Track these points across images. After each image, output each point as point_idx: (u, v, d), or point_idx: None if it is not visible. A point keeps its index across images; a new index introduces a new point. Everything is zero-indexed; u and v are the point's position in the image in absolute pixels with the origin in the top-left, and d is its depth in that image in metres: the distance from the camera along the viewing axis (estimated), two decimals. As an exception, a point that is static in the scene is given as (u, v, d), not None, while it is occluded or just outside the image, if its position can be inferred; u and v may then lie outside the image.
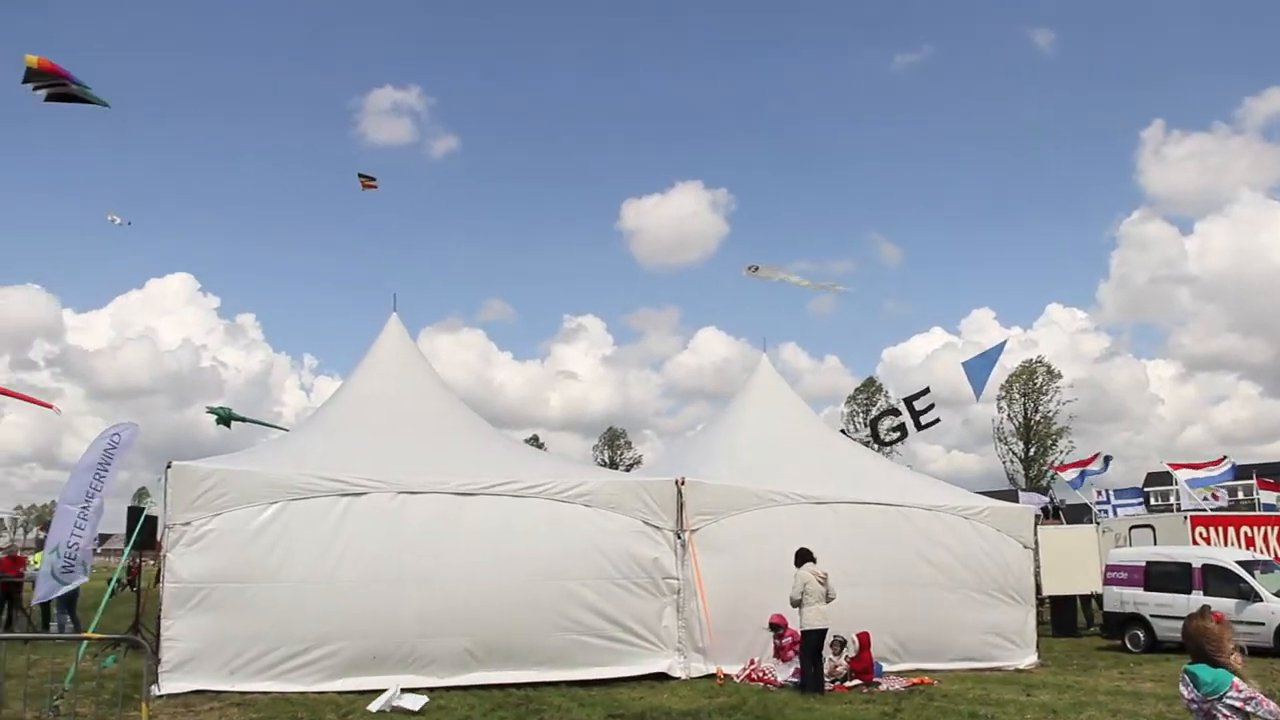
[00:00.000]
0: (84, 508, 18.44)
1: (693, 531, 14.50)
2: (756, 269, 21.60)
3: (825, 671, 13.74)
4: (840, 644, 14.32)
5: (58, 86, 18.16)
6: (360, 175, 25.58)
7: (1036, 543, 17.41)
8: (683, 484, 14.66)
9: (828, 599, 13.44)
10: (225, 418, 26.46)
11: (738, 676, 14.22)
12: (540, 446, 70.72)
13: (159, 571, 22.52)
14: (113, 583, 17.77)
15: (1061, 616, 22.92)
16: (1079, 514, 35.68)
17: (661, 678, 13.93)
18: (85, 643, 12.91)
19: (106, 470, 18.81)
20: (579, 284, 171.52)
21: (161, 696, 11.83)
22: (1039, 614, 17.79)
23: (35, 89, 18.11)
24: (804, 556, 13.72)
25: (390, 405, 15.87)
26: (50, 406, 30.38)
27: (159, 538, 14.05)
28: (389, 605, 13.07)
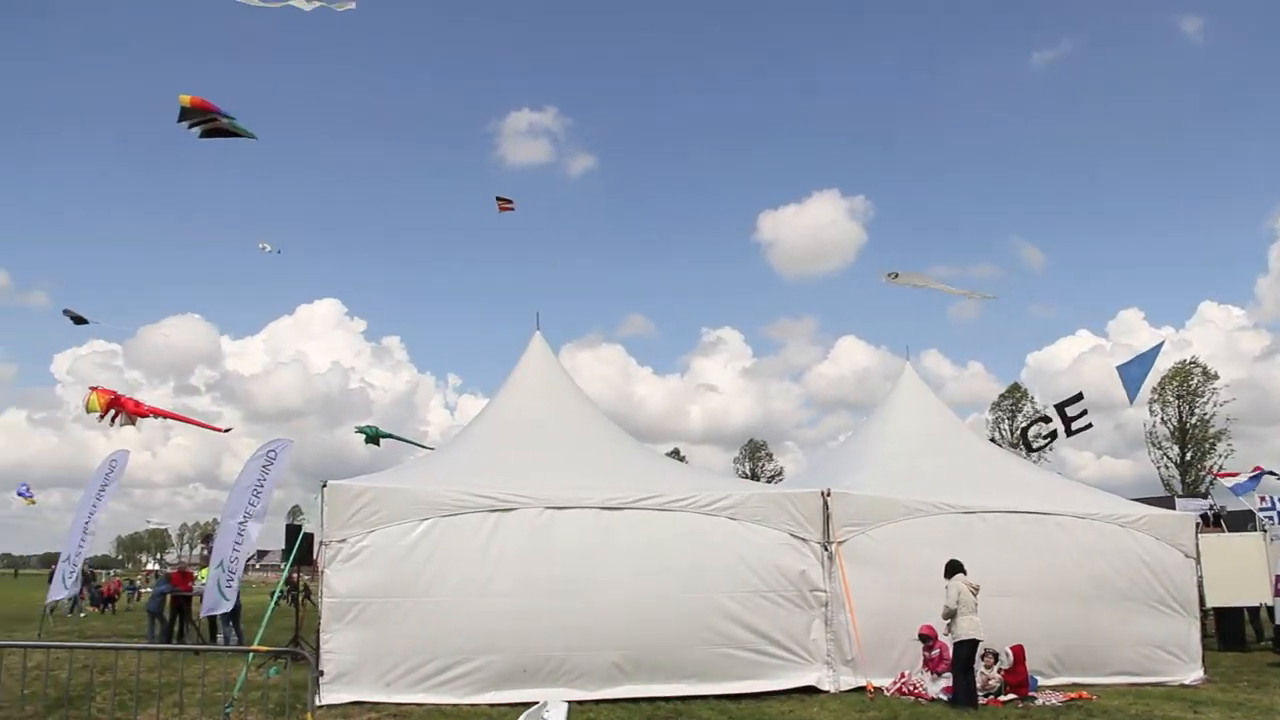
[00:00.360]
0: (242, 524, 19.19)
1: (840, 543, 14.35)
2: (896, 275, 21.26)
3: (978, 685, 13.43)
4: (993, 657, 13.98)
5: (209, 122, 19.03)
6: (498, 198, 26.10)
7: (1198, 551, 16.68)
8: (828, 495, 14.52)
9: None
10: (373, 435, 27.20)
11: (888, 690, 14.00)
12: (681, 460, 70.76)
13: (306, 585, 23.24)
14: (275, 597, 18.37)
15: (1228, 629, 21.87)
16: (1241, 521, 34.07)
17: (810, 691, 13.80)
18: (251, 654, 13.38)
19: (262, 488, 19.52)
20: (717, 297, 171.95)
21: (322, 706, 12.19)
22: (1203, 627, 17.02)
23: (190, 126, 19.03)
24: (954, 568, 13.45)
25: (536, 422, 16.12)
26: (221, 430, 31.65)
27: (315, 554, 14.48)
28: (538, 619, 13.23)
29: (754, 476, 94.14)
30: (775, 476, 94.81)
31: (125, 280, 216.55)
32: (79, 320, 36.49)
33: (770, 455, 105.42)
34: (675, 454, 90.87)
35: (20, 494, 53.18)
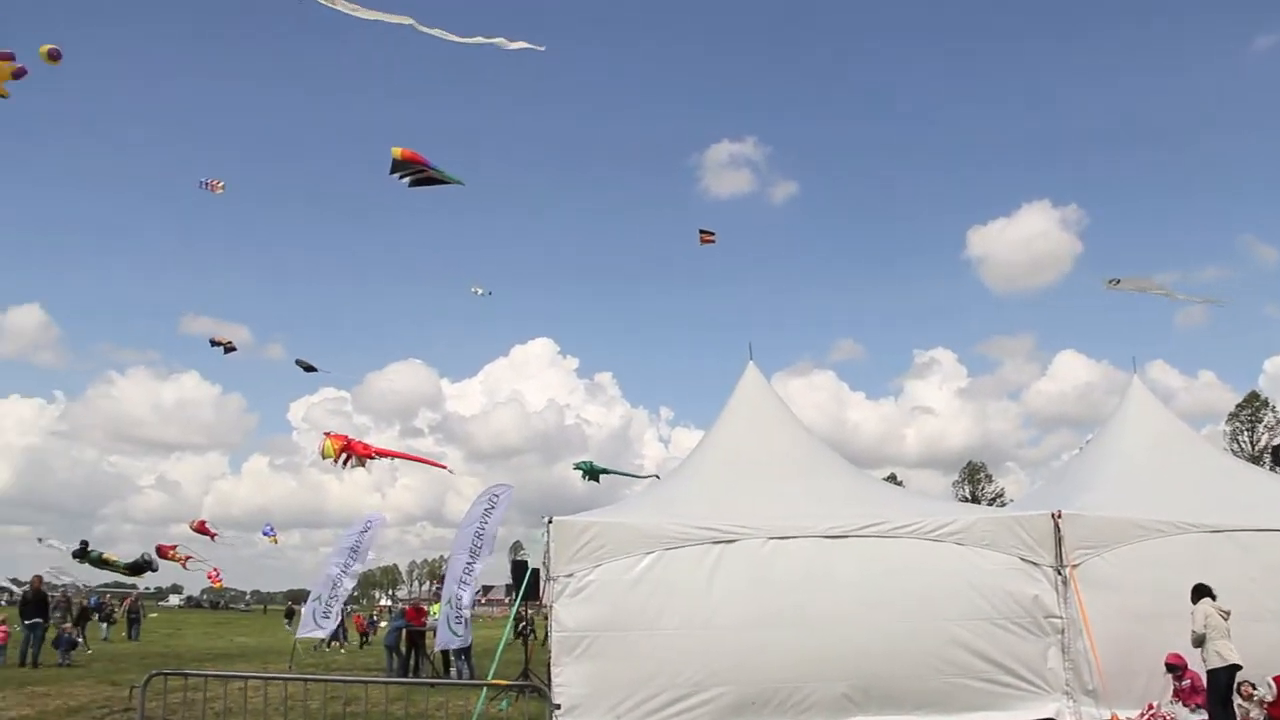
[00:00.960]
0: (469, 564, 19.87)
1: (1074, 566, 13.77)
2: (1118, 282, 20.38)
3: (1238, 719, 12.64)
4: (1250, 687, 13.11)
5: (419, 173, 19.93)
6: (701, 231, 26.37)
7: None
8: (1059, 517, 13.97)
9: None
10: (591, 471, 27.76)
11: (1137, 722, 13.32)
12: (898, 485, 69.46)
13: (531, 620, 23.71)
14: (506, 632, 18.90)
15: None
16: None
17: (1051, 723, 13.28)
18: (486, 687, 13.78)
19: (485, 529, 20.20)
20: (928, 317, 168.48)
21: (559, 739, 12.45)
22: None
23: (401, 178, 19.97)
24: (1201, 592, 12.70)
25: (754, 452, 16.11)
26: (445, 467, 32.95)
27: (541, 589, 14.84)
28: (765, 651, 13.18)
29: (974, 500, 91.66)
30: (997, 499, 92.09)
31: (351, 329, 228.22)
32: (309, 369, 38.73)
33: (990, 477, 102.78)
34: (892, 479, 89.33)
35: (265, 534, 56.62)
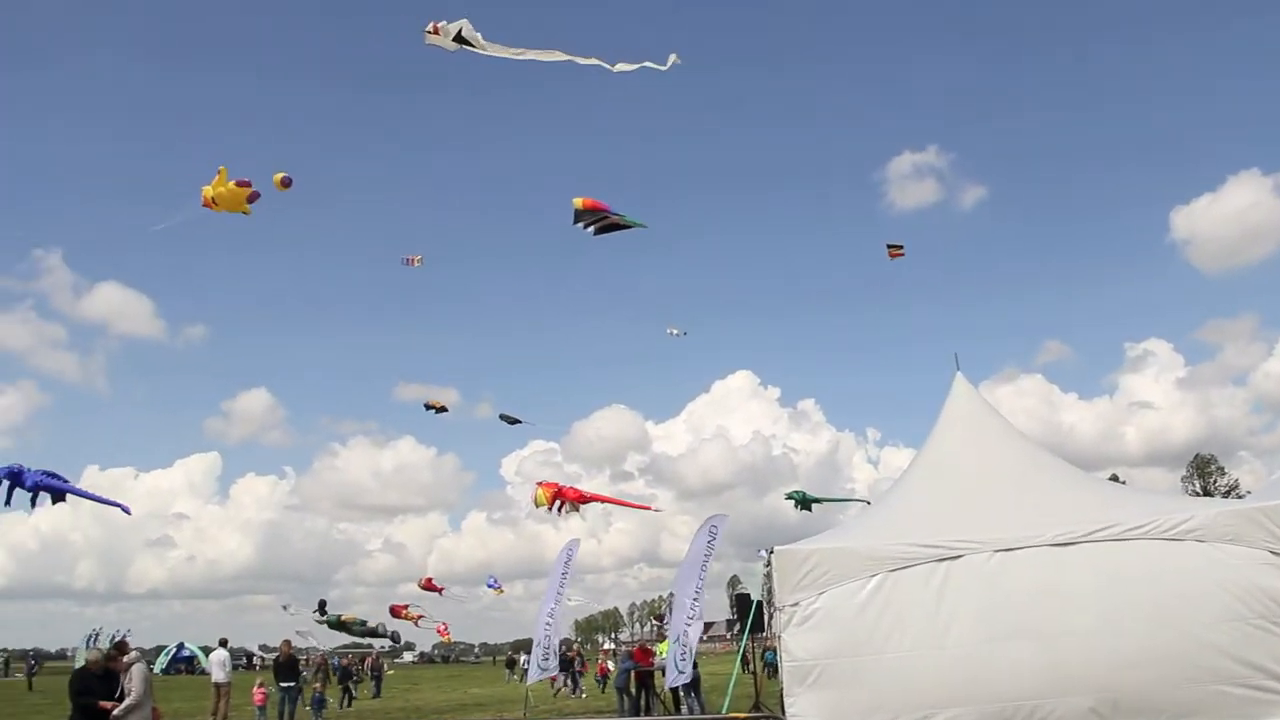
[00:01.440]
0: (695, 600, 20.02)
1: (1333, 557, 12.89)
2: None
3: None
4: None
5: (601, 220, 20.42)
6: (888, 245, 26.07)
7: None
8: (1311, 504, 13.11)
9: None
10: (803, 501, 27.65)
11: None
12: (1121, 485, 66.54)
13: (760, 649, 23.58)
14: (736, 667, 18.95)
15: None
16: None
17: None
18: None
19: (706, 562, 20.36)
20: (1136, 308, 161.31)
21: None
22: None
23: (584, 227, 20.50)
24: None
25: (971, 464, 15.66)
26: (651, 508, 33.45)
27: (766, 620, 14.84)
28: (1002, 668, 12.74)
29: (1206, 494, 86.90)
30: (1232, 491, 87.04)
31: (553, 381, 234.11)
32: (512, 421, 39.86)
33: (1222, 469, 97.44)
34: (1114, 479, 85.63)
35: (490, 586, 58.30)
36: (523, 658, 70.28)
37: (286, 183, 19.60)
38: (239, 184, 19.50)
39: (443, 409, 40.44)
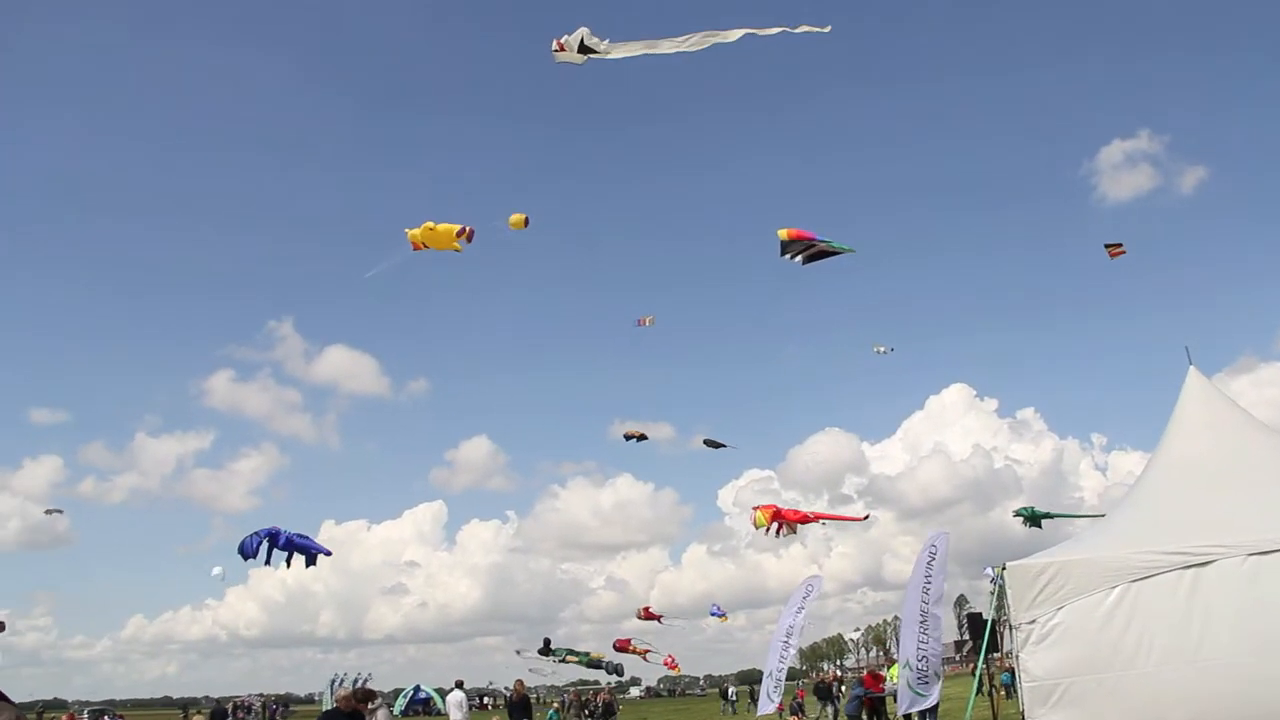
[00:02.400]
0: (922, 622, 19.48)
1: None
2: None
3: None
4: None
5: (809, 249, 20.33)
6: (1107, 245, 25.13)
7: None
8: None
9: None
10: (1033, 517, 26.72)
11: None
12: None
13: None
14: (973, 689, 18.29)
15: None
16: None
17: None
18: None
19: (930, 582, 19.82)
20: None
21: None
22: None
23: (792, 257, 20.43)
24: None
25: (1213, 462, 14.58)
26: (863, 518, 33.08)
27: (999, 639, 14.27)
28: (1263, 681, 11.83)
29: None
30: None
31: (766, 408, 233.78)
32: (716, 445, 39.87)
33: None
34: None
35: (714, 614, 58.41)
36: (731, 690, 70.19)
37: (525, 222, 20.60)
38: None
39: (642, 437, 40.88)
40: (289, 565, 24.20)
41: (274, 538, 24.06)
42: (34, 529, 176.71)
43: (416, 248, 20.70)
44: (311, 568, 24.87)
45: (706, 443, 39.14)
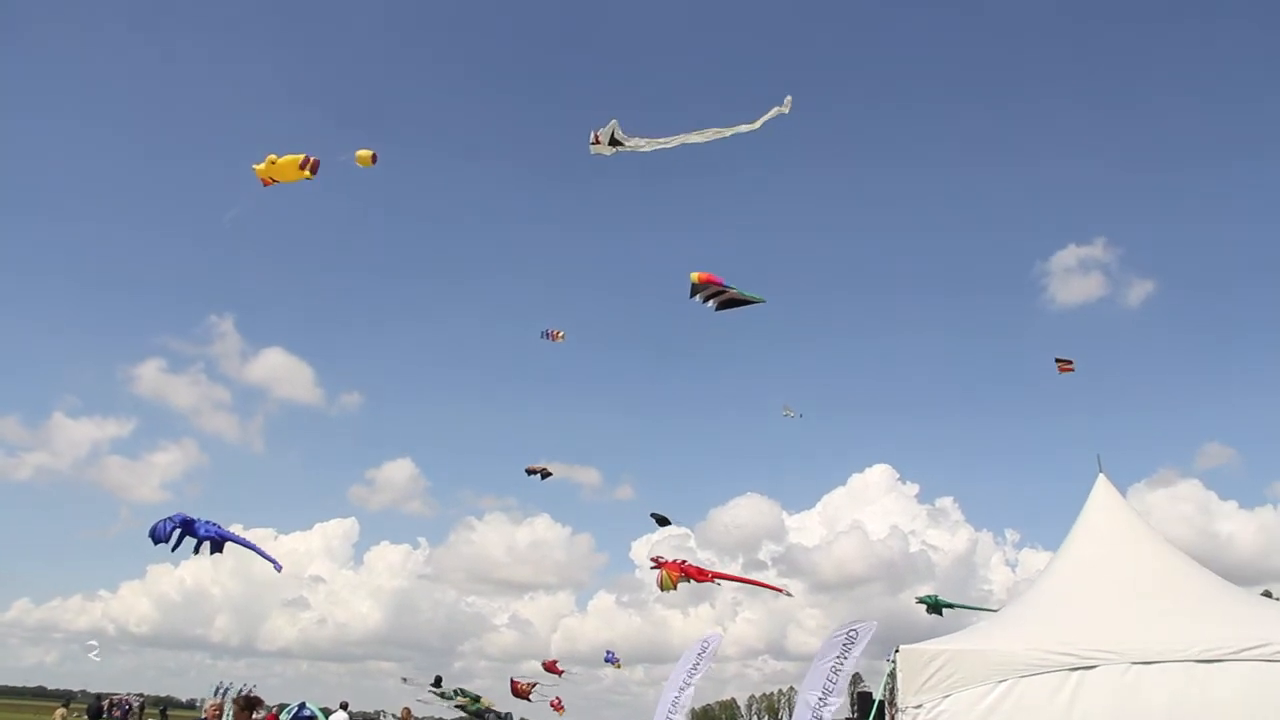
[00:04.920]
0: (820, 699, 19.54)
1: None
2: None
3: None
4: None
5: (719, 294, 20.58)
6: (1058, 360, 25.86)
7: None
8: None
9: None
10: (934, 605, 27.06)
11: None
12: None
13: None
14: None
15: None
16: None
17: None
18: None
19: (842, 666, 19.84)
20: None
21: None
22: None
23: (702, 301, 20.68)
24: None
25: (1109, 570, 14.88)
26: (782, 590, 33.24)
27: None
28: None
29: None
30: None
31: (692, 467, 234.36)
32: (663, 522, 39.79)
33: None
34: (1266, 595, 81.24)
35: (608, 660, 58.04)
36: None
37: (373, 159, 20.40)
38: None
39: (546, 473, 40.71)
40: (210, 552, 22.96)
41: (188, 525, 22.84)
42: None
43: (265, 183, 20.32)
44: (216, 554, 23.51)
45: (654, 516, 39.07)
